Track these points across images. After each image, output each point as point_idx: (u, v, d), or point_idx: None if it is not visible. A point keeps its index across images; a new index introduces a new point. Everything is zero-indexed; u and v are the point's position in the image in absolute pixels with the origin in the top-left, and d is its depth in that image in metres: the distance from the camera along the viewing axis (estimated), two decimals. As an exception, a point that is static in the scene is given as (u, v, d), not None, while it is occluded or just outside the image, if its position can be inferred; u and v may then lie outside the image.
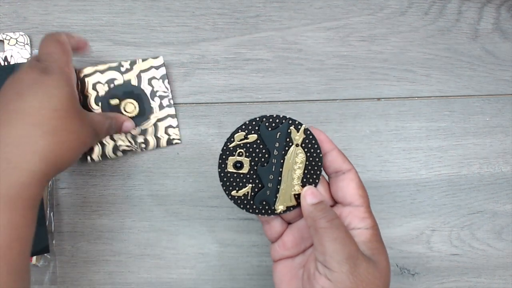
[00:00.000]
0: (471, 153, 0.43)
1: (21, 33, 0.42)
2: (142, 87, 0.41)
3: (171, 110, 0.41)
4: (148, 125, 0.41)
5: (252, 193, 0.32)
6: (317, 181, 0.32)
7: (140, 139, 0.40)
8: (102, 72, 0.41)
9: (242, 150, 0.31)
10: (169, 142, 0.41)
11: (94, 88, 0.41)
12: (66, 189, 0.41)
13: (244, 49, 0.43)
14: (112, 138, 0.40)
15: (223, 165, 0.31)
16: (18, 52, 0.42)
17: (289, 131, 0.31)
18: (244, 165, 0.31)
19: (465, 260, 0.41)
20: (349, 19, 0.44)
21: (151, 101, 0.41)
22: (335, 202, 0.33)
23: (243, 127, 0.31)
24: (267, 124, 0.31)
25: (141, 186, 0.41)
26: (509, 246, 0.41)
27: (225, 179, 0.31)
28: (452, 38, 0.44)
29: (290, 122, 0.31)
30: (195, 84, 0.43)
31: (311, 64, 0.43)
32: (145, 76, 0.41)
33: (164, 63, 0.42)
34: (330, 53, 0.44)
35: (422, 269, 0.41)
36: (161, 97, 0.41)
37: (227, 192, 0.32)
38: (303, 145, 0.31)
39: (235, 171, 0.31)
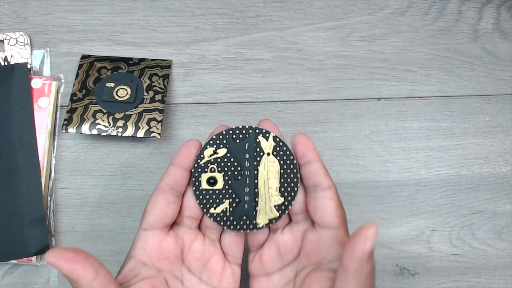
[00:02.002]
0: (471, 153, 0.43)
1: (21, 33, 0.42)
2: (141, 79, 0.41)
3: (161, 105, 0.41)
4: (133, 112, 0.40)
5: (231, 209, 0.30)
6: (296, 189, 0.30)
7: (120, 123, 0.40)
8: (111, 60, 0.42)
9: (214, 166, 0.30)
10: (147, 133, 0.39)
11: (98, 71, 0.41)
12: (66, 189, 0.41)
13: (244, 49, 0.43)
14: (93, 116, 0.40)
15: (196, 183, 0.30)
16: (18, 52, 0.42)
17: (258, 140, 0.30)
18: (218, 181, 0.30)
19: (465, 260, 0.41)
20: (349, 19, 0.44)
21: (145, 92, 0.41)
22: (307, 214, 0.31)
23: (211, 142, 0.30)
24: (234, 136, 0.30)
25: (141, 186, 0.41)
26: (509, 246, 0.41)
27: (201, 197, 0.30)
28: (452, 38, 0.44)
29: (257, 131, 0.30)
30: (195, 84, 0.43)
31: (311, 64, 0.43)
32: (148, 71, 0.42)
33: (171, 66, 0.42)
34: (330, 53, 0.44)
35: (422, 269, 0.41)
36: (156, 92, 0.41)
37: (205, 210, 0.30)
38: (275, 153, 0.30)
39: (209, 187, 0.30)
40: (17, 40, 0.42)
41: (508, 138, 0.43)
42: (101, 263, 0.27)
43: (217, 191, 0.30)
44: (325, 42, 0.44)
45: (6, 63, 0.41)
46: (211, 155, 0.30)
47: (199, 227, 0.32)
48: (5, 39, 0.42)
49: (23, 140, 0.40)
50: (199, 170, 0.30)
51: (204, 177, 0.30)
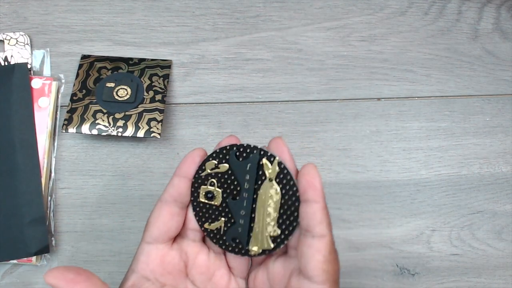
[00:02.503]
0: (471, 153, 0.43)
1: (21, 33, 0.42)
2: (142, 79, 0.41)
3: (161, 105, 0.41)
4: (134, 112, 0.40)
5: (225, 228, 0.29)
6: (294, 224, 0.27)
7: (120, 123, 0.40)
8: (111, 60, 0.42)
9: (214, 180, 0.29)
10: (147, 133, 0.39)
11: (98, 71, 0.41)
12: (66, 189, 0.41)
13: (244, 49, 0.43)
14: (93, 116, 0.40)
15: (195, 194, 0.29)
16: (18, 52, 0.42)
17: (261, 163, 0.28)
18: (216, 196, 0.29)
19: (465, 260, 0.41)
20: (349, 19, 0.44)
21: (145, 92, 0.41)
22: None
23: (214, 155, 0.28)
24: (237, 153, 0.28)
25: (141, 186, 0.41)
26: (509, 246, 0.41)
27: (197, 209, 0.29)
28: (452, 38, 0.44)
29: (262, 153, 0.28)
30: (195, 84, 0.43)
31: (311, 64, 0.43)
32: (148, 71, 0.42)
33: (171, 66, 0.42)
34: (330, 53, 0.44)
35: (422, 269, 0.41)
36: (156, 92, 0.41)
37: (200, 223, 0.29)
38: (277, 180, 0.28)
39: (207, 201, 0.29)
40: (17, 40, 0.42)
41: (508, 138, 0.43)
42: (103, 282, 0.26)
43: (214, 207, 0.29)
44: (325, 42, 0.44)
45: (6, 63, 0.41)
46: (212, 169, 0.29)
47: (204, 239, 0.31)
48: (5, 39, 0.42)
49: (23, 140, 0.40)
50: (199, 181, 0.29)
51: (203, 189, 0.29)
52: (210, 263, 0.30)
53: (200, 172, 0.29)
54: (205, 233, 0.29)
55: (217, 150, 0.28)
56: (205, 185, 0.29)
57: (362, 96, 0.43)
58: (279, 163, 0.28)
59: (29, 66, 0.42)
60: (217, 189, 0.29)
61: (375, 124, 0.43)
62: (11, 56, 0.42)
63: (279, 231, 0.28)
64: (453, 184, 0.42)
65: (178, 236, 0.31)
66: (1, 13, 0.43)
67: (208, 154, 0.29)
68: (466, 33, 0.44)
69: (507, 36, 0.45)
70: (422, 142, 0.43)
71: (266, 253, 0.28)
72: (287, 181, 0.27)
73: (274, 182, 0.28)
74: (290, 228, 0.27)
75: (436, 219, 0.42)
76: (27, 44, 0.42)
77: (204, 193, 0.29)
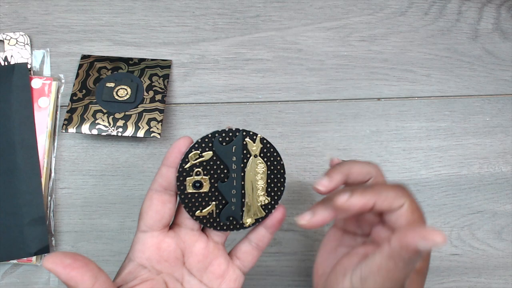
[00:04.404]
0: (471, 153, 0.43)
1: (21, 33, 0.42)
2: (142, 79, 0.41)
3: (161, 105, 0.41)
4: (134, 112, 0.40)
5: (217, 211, 0.30)
6: (282, 189, 0.31)
7: (120, 123, 0.40)
8: (111, 60, 0.42)
9: (199, 169, 0.30)
10: (147, 133, 0.40)
11: (98, 71, 0.41)
12: (66, 189, 0.41)
13: (244, 49, 0.43)
14: (93, 116, 0.40)
15: (181, 187, 0.29)
16: (18, 52, 0.42)
17: (244, 143, 0.30)
18: (204, 184, 0.30)
19: (465, 260, 0.41)
20: (349, 19, 0.44)
21: (145, 92, 0.41)
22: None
23: (196, 145, 0.29)
24: (220, 139, 0.30)
25: (141, 186, 0.41)
26: (509, 246, 0.41)
27: (186, 200, 0.30)
28: (452, 38, 0.44)
29: (244, 133, 0.30)
30: (195, 84, 0.43)
31: (311, 64, 0.43)
32: (148, 71, 0.42)
33: (171, 66, 0.42)
34: (330, 53, 0.44)
35: (422, 269, 0.41)
36: (156, 92, 0.41)
37: (190, 214, 0.30)
38: (262, 155, 0.30)
39: (195, 191, 0.30)
40: (17, 40, 0.42)
41: (508, 138, 0.43)
42: (100, 268, 0.26)
43: (203, 194, 0.30)
44: (325, 42, 0.44)
45: (6, 63, 0.41)
46: (196, 159, 0.30)
47: (203, 228, 0.32)
48: (5, 39, 0.42)
49: (23, 140, 0.40)
50: (184, 174, 0.29)
51: (189, 181, 0.30)
52: (208, 252, 0.31)
53: (183, 165, 0.29)
54: (198, 221, 0.30)
55: (199, 140, 0.30)
56: (191, 176, 0.29)
57: (362, 96, 0.43)
58: (262, 139, 0.30)
59: (29, 66, 0.42)
60: (204, 176, 0.30)
61: (375, 124, 0.43)
62: (11, 56, 0.42)
63: (269, 199, 0.31)
64: (453, 184, 0.42)
65: (176, 225, 0.31)
66: (1, 13, 0.43)
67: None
68: (466, 33, 0.44)
69: (507, 36, 0.45)
70: (422, 142, 0.43)
71: (259, 221, 0.31)
72: (271, 154, 0.31)
73: (259, 157, 0.30)
74: (279, 194, 0.31)
75: (436, 219, 0.42)
76: (27, 44, 0.42)
77: (191, 184, 0.30)
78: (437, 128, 0.43)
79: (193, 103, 0.43)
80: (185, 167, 0.29)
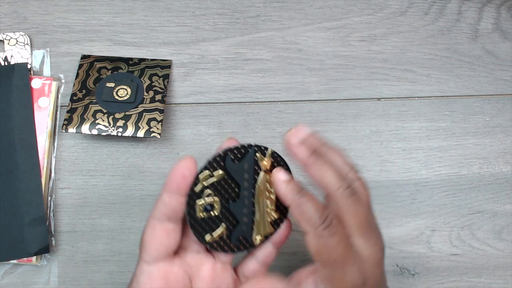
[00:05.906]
0: (471, 153, 0.43)
1: (21, 33, 0.42)
2: (142, 79, 0.41)
3: (161, 105, 0.41)
4: (134, 112, 0.40)
5: (228, 232, 0.29)
6: None
7: (120, 123, 0.40)
8: (111, 60, 0.42)
9: (210, 191, 0.28)
10: (147, 133, 0.39)
11: (98, 71, 0.41)
12: (66, 189, 0.41)
13: (244, 49, 0.43)
14: (93, 116, 0.40)
15: (191, 212, 0.28)
16: (18, 52, 0.42)
17: (255, 158, 0.29)
18: (215, 206, 0.28)
19: (465, 260, 0.41)
20: (349, 19, 0.44)
21: (145, 92, 0.41)
22: None
23: (207, 166, 0.28)
24: (232, 157, 0.28)
25: (141, 186, 0.41)
26: (509, 246, 0.41)
27: (196, 225, 0.28)
28: (452, 38, 0.44)
29: (256, 149, 0.29)
30: (195, 84, 0.43)
31: (311, 64, 0.43)
32: (148, 71, 0.42)
33: (171, 66, 0.42)
34: (330, 53, 0.44)
35: (422, 269, 0.41)
36: (156, 92, 0.41)
37: (200, 239, 0.28)
38: (272, 169, 0.29)
39: (206, 215, 0.28)
40: (17, 40, 0.42)
41: (508, 138, 0.43)
42: None
43: (213, 217, 0.28)
44: (325, 42, 0.44)
45: (6, 63, 0.41)
46: (206, 179, 0.28)
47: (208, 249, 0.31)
48: (5, 39, 0.42)
49: (23, 140, 0.40)
50: (194, 197, 0.28)
51: (200, 205, 0.28)
52: (215, 275, 0.30)
53: (193, 187, 0.28)
54: (208, 246, 0.29)
55: (210, 160, 0.28)
56: (200, 198, 0.28)
57: (362, 96, 0.43)
58: (273, 153, 0.29)
59: (29, 66, 0.42)
60: (215, 197, 0.28)
61: (375, 124, 0.43)
62: (11, 56, 0.42)
63: (278, 213, 0.30)
64: (453, 184, 0.42)
65: (181, 249, 0.30)
66: (1, 13, 0.43)
67: (209, 155, 0.29)
68: (466, 33, 0.44)
69: (507, 36, 0.45)
70: (422, 142, 0.43)
71: (268, 237, 0.30)
72: (281, 167, 0.29)
73: (269, 172, 0.29)
74: (288, 208, 0.29)
75: (436, 219, 0.42)
76: (27, 44, 0.42)
77: (202, 208, 0.28)
78: (437, 128, 0.43)
79: (193, 103, 0.43)
80: (195, 189, 0.28)
